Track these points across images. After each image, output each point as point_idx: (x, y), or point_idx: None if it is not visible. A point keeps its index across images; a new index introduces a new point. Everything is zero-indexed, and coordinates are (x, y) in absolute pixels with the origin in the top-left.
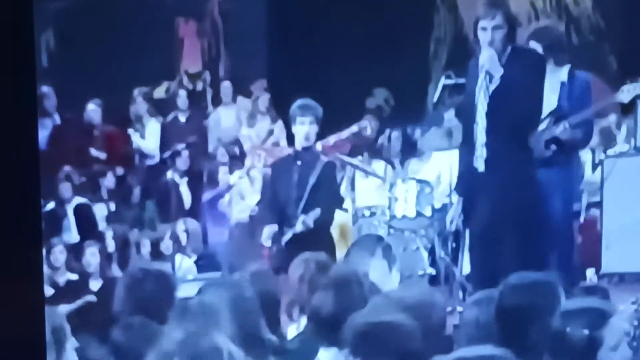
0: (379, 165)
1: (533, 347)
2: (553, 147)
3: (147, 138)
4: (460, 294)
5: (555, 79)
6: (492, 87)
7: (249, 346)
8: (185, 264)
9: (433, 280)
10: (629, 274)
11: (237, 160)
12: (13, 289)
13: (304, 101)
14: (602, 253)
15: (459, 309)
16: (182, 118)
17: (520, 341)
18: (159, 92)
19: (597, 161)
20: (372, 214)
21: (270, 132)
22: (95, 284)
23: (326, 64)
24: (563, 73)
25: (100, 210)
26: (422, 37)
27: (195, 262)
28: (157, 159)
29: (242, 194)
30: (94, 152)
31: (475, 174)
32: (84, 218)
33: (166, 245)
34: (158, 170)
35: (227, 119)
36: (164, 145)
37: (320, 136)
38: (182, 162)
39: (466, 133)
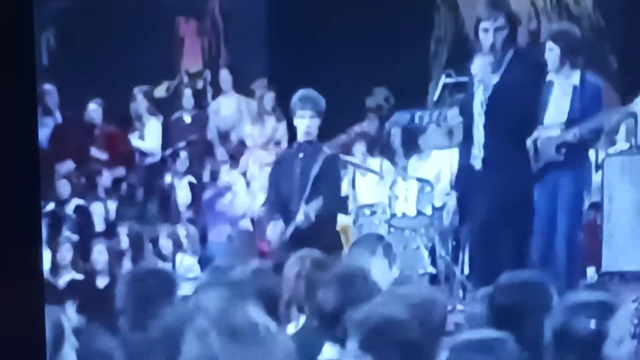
0: (376, 163)
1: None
2: (564, 150)
3: (147, 138)
4: (461, 293)
5: (567, 82)
6: (487, 93)
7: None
8: (186, 262)
9: (433, 279)
10: (629, 273)
11: (238, 159)
12: (13, 289)
13: (305, 92)
14: (603, 251)
15: (460, 307)
16: (187, 118)
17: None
18: (160, 91)
19: (599, 161)
20: (373, 213)
21: (276, 131)
22: (101, 282)
23: (327, 63)
24: (576, 77)
25: (99, 210)
26: (422, 36)
27: (198, 261)
28: (157, 158)
29: (242, 192)
30: (94, 151)
31: (472, 173)
32: (85, 218)
33: (165, 245)
34: (159, 169)
35: (226, 108)
36: (166, 144)
37: (323, 131)
38: (182, 162)
39: (465, 132)
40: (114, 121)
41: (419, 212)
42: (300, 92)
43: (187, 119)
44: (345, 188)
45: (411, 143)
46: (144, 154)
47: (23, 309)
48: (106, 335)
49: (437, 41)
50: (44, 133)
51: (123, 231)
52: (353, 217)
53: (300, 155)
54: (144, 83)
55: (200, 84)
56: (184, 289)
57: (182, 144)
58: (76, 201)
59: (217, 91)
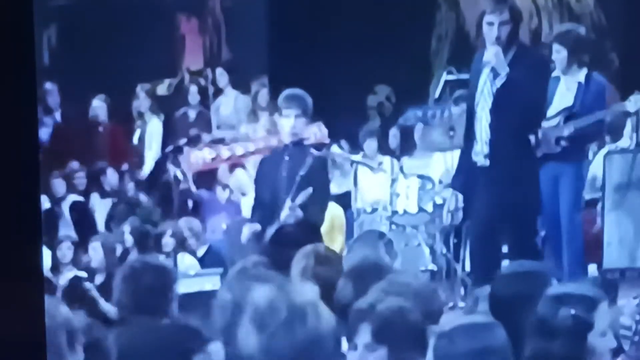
0: (383, 160)
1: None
2: (563, 143)
3: (148, 140)
4: (462, 290)
5: (573, 79)
6: (498, 83)
7: None
8: (187, 260)
9: (434, 276)
10: (631, 270)
11: (236, 156)
12: (13, 289)
13: (291, 91)
14: (604, 249)
15: (461, 304)
16: (192, 114)
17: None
18: (162, 89)
19: (601, 157)
20: (374, 210)
21: (271, 128)
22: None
23: (328, 61)
24: (581, 75)
25: (102, 207)
26: (423, 34)
27: (198, 259)
28: (159, 156)
29: (242, 189)
30: (96, 148)
31: (474, 169)
32: (82, 215)
33: (167, 242)
34: (161, 167)
35: (226, 106)
36: (167, 141)
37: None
38: (185, 159)
39: (468, 128)
40: (116, 118)
41: (420, 209)
42: (286, 92)
43: (192, 115)
44: (347, 185)
45: (411, 141)
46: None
47: (23, 309)
48: (108, 331)
49: (438, 39)
50: (45, 132)
51: (126, 229)
52: (355, 212)
53: (286, 157)
54: (145, 81)
55: (202, 82)
56: (184, 286)
57: (183, 140)
58: (73, 197)
59: (219, 89)
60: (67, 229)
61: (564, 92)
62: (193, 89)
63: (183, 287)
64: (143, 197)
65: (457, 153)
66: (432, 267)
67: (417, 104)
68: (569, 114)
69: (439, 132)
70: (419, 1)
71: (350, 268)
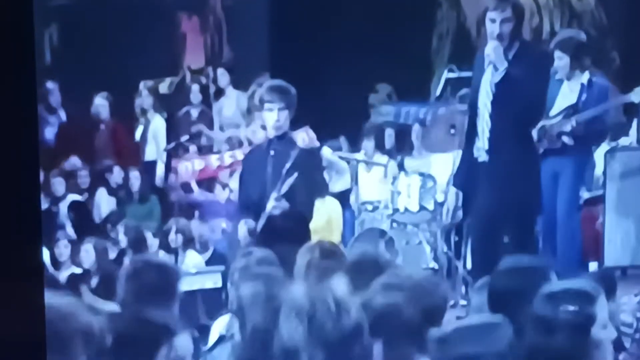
0: (381, 159)
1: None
2: (564, 138)
3: (151, 138)
4: (463, 288)
5: (576, 82)
6: (497, 78)
7: None
8: (190, 257)
9: (435, 274)
10: (632, 267)
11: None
12: (13, 289)
13: (273, 83)
14: (605, 246)
15: (462, 302)
16: (195, 113)
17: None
18: (163, 88)
19: (602, 154)
20: (375, 208)
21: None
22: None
23: (329, 60)
24: (584, 77)
25: (104, 206)
26: (424, 32)
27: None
28: (163, 154)
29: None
30: (98, 147)
31: (475, 166)
32: (81, 215)
33: (171, 239)
34: (164, 164)
35: (227, 105)
36: (170, 139)
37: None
38: (187, 157)
39: (470, 124)
40: (118, 116)
41: (421, 207)
42: (267, 84)
43: (194, 114)
44: (347, 183)
45: (409, 141)
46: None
47: (23, 309)
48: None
49: (439, 37)
50: (47, 130)
51: (120, 230)
52: (355, 207)
53: (272, 152)
54: (146, 79)
55: (203, 81)
56: (186, 284)
57: (184, 137)
58: (74, 196)
59: (220, 89)
60: (67, 228)
61: (567, 93)
62: (195, 87)
63: (185, 285)
64: (146, 196)
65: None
66: (433, 265)
67: (418, 102)
68: (572, 111)
69: (442, 130)
70: None
71: (350, 263)
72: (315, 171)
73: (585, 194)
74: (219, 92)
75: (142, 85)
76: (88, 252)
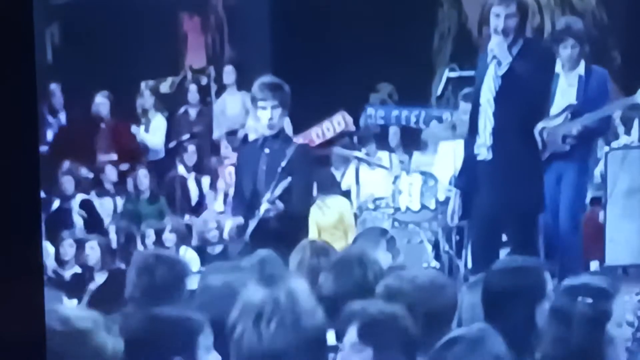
0: (384, 156)
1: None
2: (570, 141)
3: (152, 133)
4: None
5: (573, 73)
6: (500, 72)
7: None
8: (189, 255)
9: (440, 274)
10: (633, 266)
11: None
12: (13, 289)
13: (266, 80)
14: (606, 245)
15: None
16: (193, 112)
17: (505, 323)
18: (165, 87)
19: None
20: (377, 207)
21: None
22: (99, 277)
23: (330, 59)
24: (581, 67)
25: (107, 205)
26: (426, 32)
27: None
28: (163, 154)
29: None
30: (100, 146)
31: (476, 164)
32: (90, 213)
33: (168, 237)
34: (165, 164)
35: (232, 107)
36: (170, 139)
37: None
38: (189, 156)
39: (472, 121)
40: (119, 115)
41: (423, 206)
42: (260, 80)
43: (193, 113)
44: (349, 182)
45: (412, 139)
46: (149, 149)
47: (23, 309)
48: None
49: (440, 37)
50: (48, 130)
51: (112, 229)
52: (356, 206)
53: (266, 150)
54: (148, 79)
55: (204, 80)
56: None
57: (185, 136)
58: (81, 196)
59: (221, 88)
60: (77, 227)
61: (566, 88)
62: (193, 87)
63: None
64: (147, 194)
65: (461, 148)
66: (434, 264)
67: (419, 102)
68: (574, 111)
69: (443, 129)
70: None
71: (334, 261)
72: (313, 169)
73: (587, 193)
74: (221, 90)
75: (144, 85)
76: (93, 249)
